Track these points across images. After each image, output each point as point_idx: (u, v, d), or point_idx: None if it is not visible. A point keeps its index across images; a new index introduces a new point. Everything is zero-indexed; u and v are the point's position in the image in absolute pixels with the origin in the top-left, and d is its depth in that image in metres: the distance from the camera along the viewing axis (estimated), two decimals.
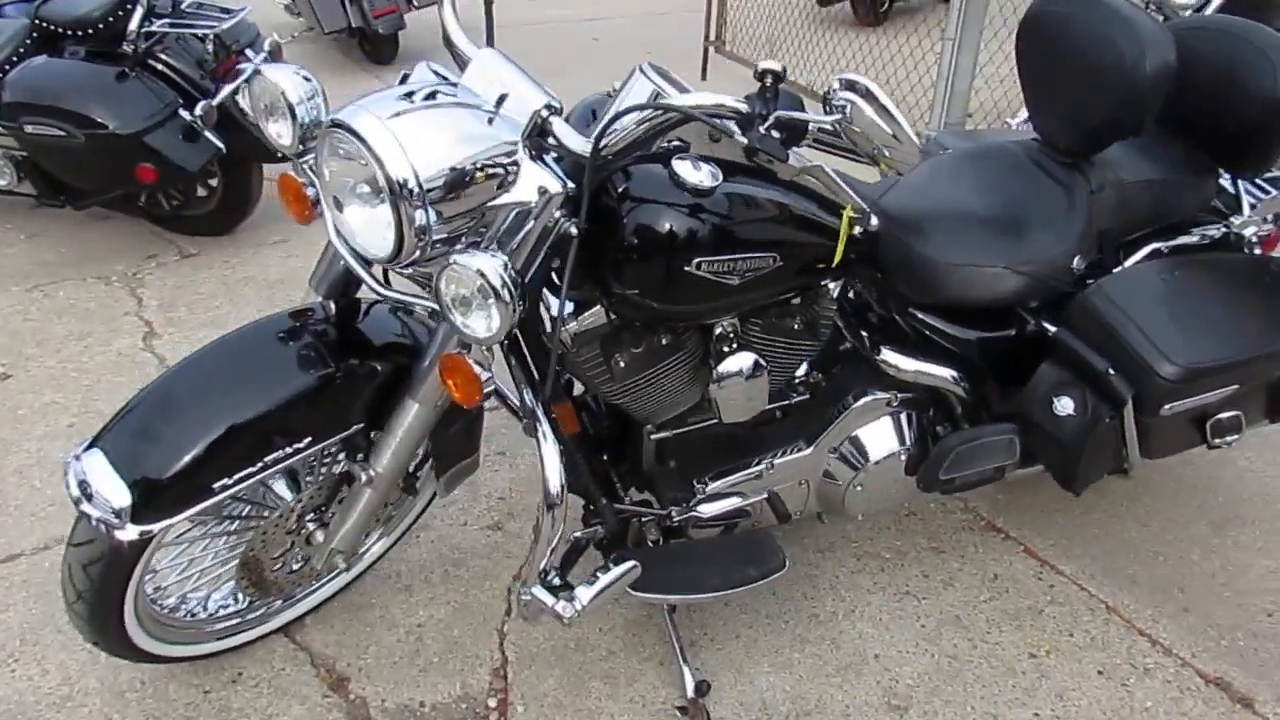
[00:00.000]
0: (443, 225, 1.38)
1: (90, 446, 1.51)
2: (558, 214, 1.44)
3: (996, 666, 2.02)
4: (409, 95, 1.41)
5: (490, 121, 1.41)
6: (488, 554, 2.28)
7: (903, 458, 1.99)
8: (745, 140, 1.39)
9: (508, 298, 1.31)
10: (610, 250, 1.50)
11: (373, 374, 1.64)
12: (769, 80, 1.40)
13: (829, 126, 1.37)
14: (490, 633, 2.08)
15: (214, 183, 3.72)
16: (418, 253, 1.38)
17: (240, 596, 1.91)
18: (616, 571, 1.69)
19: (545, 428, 1.57)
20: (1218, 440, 2.03)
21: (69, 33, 3.36)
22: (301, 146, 1.57)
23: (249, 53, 3.52)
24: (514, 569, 2.24)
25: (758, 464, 1.93)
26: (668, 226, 1.50)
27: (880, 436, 1.98)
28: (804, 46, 5.85)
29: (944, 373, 1.97)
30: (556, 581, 1.68)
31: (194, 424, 1.50)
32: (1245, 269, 2.05)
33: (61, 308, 3.28)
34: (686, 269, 1.53)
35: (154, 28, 3.34)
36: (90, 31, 3.32)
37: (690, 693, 1.91)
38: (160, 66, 3.40)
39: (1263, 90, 1.89)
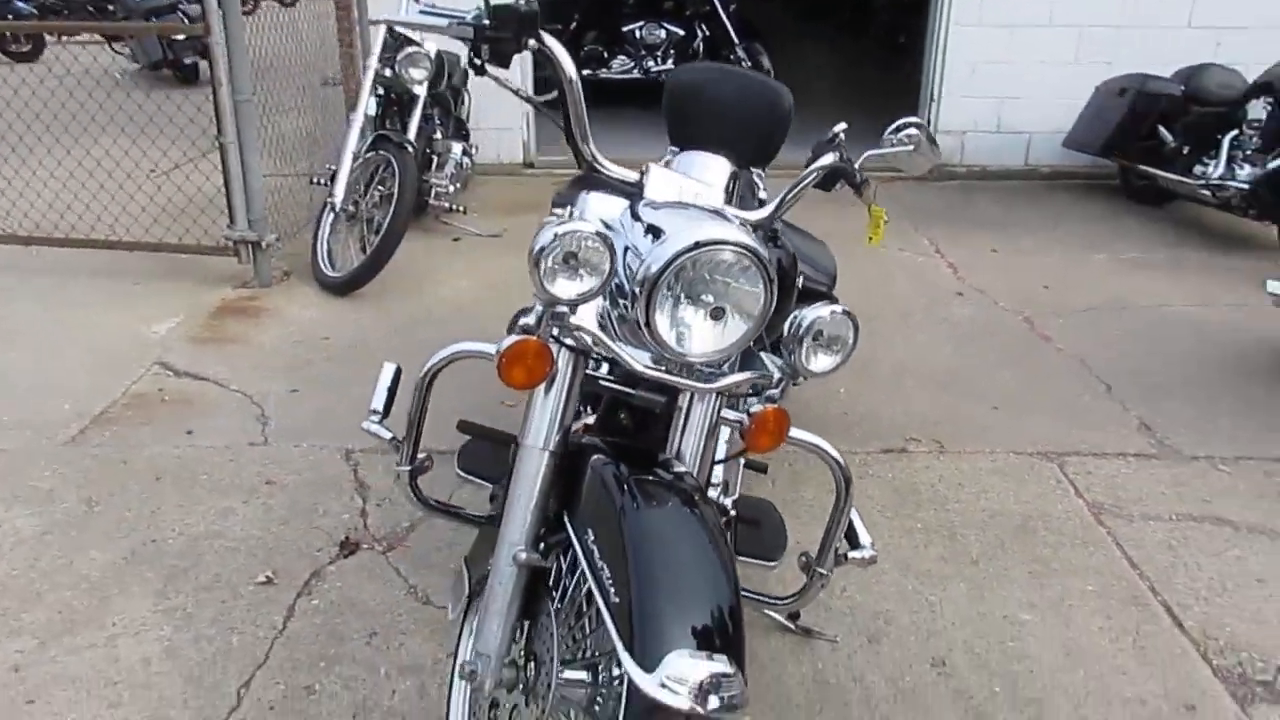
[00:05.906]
0: None
1: (645, 664, 1.35)
2: None
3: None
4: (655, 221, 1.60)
5: None
6: None
7: None
8: (859, 178, 1.93)
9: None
10: None
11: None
12: (843, 135, 1.94)
13: (889, 155, 1.98)
14: None
15: None
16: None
17: None
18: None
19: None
20: None
21: None
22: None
23: None
24: None
25: None
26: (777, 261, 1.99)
27: None
28: None
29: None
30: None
31: (700, 579, 1.49)
32: None
33: None
34: (795, 287, 2.05)
35: None
36: None
37: (789, 624, 2.37)
38: None
39: (769, 106, 2.52)
